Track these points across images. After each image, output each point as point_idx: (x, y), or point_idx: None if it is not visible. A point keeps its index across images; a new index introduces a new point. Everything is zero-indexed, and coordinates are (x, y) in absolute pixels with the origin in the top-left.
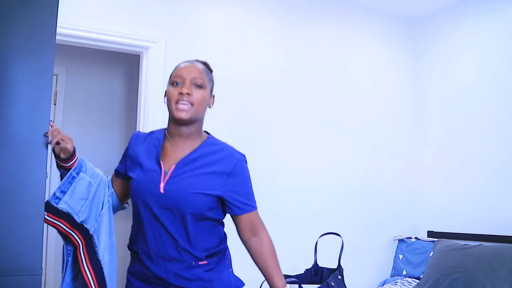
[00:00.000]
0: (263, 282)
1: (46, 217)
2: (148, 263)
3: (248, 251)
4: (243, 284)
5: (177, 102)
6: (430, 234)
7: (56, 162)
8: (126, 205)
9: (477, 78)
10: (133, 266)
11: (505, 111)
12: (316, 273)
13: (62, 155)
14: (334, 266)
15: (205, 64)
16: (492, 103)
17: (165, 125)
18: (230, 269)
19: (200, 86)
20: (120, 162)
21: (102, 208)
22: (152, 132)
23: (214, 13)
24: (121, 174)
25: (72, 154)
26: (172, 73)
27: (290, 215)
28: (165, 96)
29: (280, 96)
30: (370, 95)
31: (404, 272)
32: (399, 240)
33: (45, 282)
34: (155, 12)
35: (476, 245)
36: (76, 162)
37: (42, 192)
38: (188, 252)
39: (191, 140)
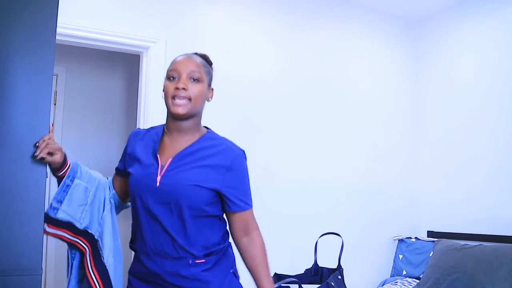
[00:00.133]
0: None
1: (47, 229)
2: (145, 260)
3: (239, 250)
4: None
5: (173, 97)
6: (430, 234)
7: (50, 170)
8: (129, 203)
9: (477, 78)
10: (133, 266)
11: (505, 111)
12: (316, 273)
13: (52, 166)
14: (334, 266)
15: (204, 56)
16: (492, 103)
17: None
18: (232, 270)
19: (197, 80)
20: (120, 160)
21: (103, 211)
22: (151, 128)
23: (214, 13)
24: (121, 171)
25: (63, 163)
26: (169, 66)
27: (290, 215)
28: (163, 91)
29: (280, 96)
30: (370, 95)
31: (404, 272)
32: (399, 240)
33: (45, 282)
34: (155, 12)
35: (476, 245)
36: (69, 169)
37: (42, 192)
38: (185, 249)
39: (190, 135)
